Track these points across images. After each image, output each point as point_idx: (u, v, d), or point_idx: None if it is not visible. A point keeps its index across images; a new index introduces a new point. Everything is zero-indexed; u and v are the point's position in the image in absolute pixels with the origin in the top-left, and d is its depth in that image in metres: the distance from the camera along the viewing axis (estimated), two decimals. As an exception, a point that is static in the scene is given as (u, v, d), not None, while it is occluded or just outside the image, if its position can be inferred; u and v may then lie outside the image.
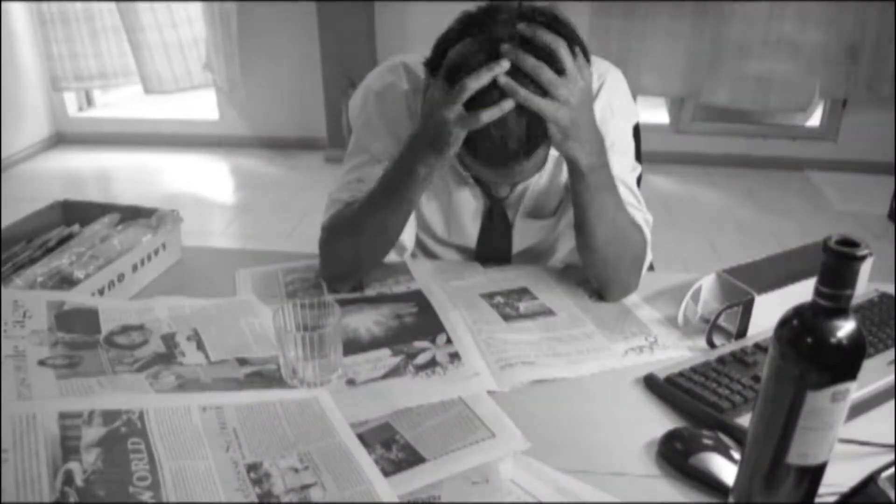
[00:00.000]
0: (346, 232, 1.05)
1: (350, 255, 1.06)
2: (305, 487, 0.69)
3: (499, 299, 1.06)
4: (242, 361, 0.89)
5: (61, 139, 4.26)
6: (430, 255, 1.24)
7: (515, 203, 1.14)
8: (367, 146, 1.09)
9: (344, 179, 1.10)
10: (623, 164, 1.08)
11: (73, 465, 0.65)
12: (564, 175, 1.10)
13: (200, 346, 0.92)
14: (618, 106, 1.08)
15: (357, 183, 1.07)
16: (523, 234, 1.18)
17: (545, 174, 1.11)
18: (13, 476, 0.63)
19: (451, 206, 1.14)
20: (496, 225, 1.16)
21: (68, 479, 0.64)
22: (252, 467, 0.71)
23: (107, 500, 0.63)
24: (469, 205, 1.14)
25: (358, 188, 1.06)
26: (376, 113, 1.09)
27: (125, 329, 0.94)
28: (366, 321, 0.99)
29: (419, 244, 1.23)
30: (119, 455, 0.68)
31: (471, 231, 1.17)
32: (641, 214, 1.09)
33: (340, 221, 1.06)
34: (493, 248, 1.19)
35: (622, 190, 1.04)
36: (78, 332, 0.91)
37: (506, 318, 1.01)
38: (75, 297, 0.97)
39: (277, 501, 0.67)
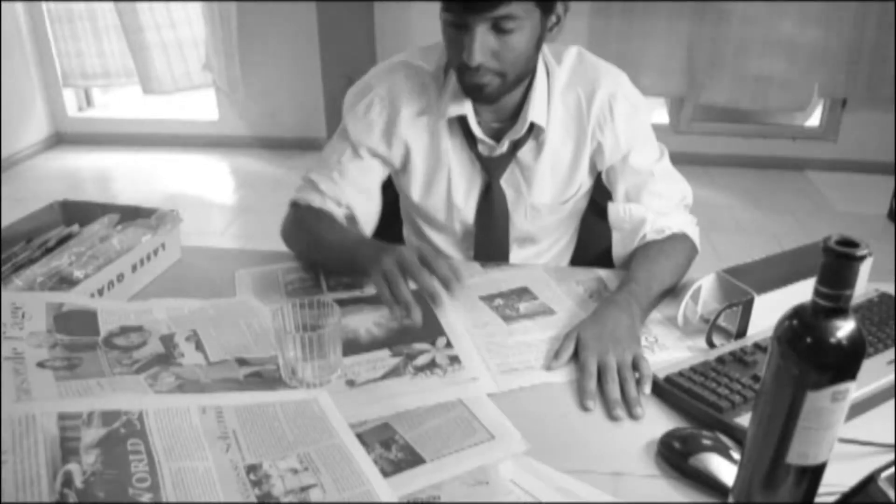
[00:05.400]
0: (302, 236, 1.14)
1: (303, 251, 1.16)
2: (305, 489, 0.68)
3: (499, 301, 1.05)
4: (242, 362, 0.89)
5: (61, 139, 4.26)
6: (425, 239, 1.27)
7: (511, 180, 1.17)
8: (353, 137, 1.15)
9: (324, 160, 1.17)
10: (651, 155, 1.15)
11: (73, 467, 0.65)
12: (563, 161, 1.15)
13: (199, 346, 0.91)
14: (638, 102, 1.14)
15: (337, 164, 1.15)
16: (523, 216, 1.20)
17: (530, 154, 1.14)
18: (13, 477, 0.63)
19: (450, 183, 1.17)
20: (495, 205, 1.17)
21: (68, 480, 0.64)
22: (252, 468, 0.70)
23: (106, 501, 0.63)
24: (465, 171, 1.16)
25: (329, 174, 1.15)
26: (374, 114, 1.13)
27: (124, 330, 0.93)
28: (365, 322, 0.99)
29: (417, 233, 1.28)
30: (118, 456, 0.68)
31: (470, 208, 1.19)
32: (680, 217, 1.15)
33: (301, 223, 1.14)
34: (490, 230, 1.20)
35: (654, 186, 1.13)
36: (77, 334, 0.91)
37: (506, 319, 1.01)
38: (74, 299, 0.96)
39: (277, 502, 0.67)
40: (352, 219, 1.16)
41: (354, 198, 1.15)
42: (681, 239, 1.12)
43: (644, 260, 1.08)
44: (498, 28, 0.96)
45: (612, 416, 0.81)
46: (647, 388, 0.85)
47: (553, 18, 1.02)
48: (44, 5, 3.88)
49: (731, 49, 3.55)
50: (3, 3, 3.72)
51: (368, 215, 1.18)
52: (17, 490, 0.62)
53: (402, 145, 1.14)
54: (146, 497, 0.64)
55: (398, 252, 0.89)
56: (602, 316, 0.95)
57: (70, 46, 3.95)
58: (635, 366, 0.87)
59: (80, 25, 3.91)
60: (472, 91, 1.04)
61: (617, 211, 1.15)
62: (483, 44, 0.97)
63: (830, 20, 3.43)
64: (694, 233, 1.15)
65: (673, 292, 1.07)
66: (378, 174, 1.17)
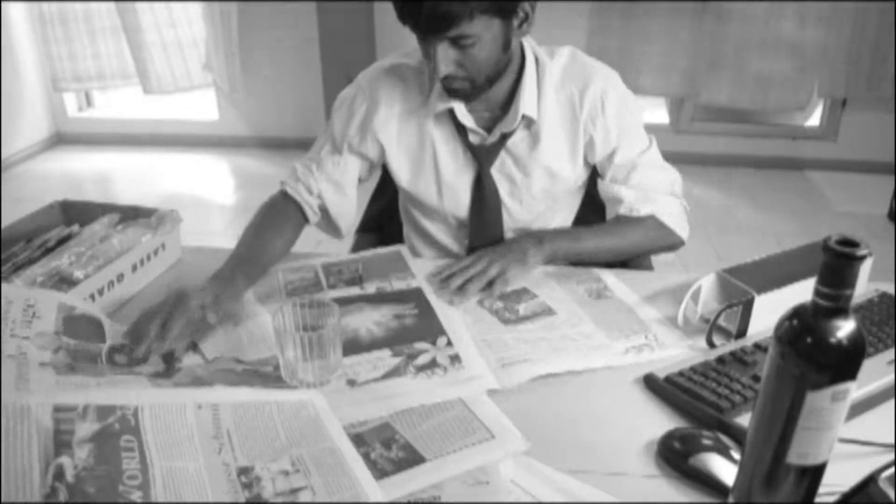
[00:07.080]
0: (249, 222, 1.17)
1: None
2: (295, 491, 0.68)
3: (497, 304, 1.05)
4: (239, 362, 0.89)
5: (61, 139, 4.26)
6: (422, 231, 1.29)
7: (503, 170, 1.18)
8: (335, 131, 1.20)
9: (311, 154, 1.24)
10: (638, 147, 1.18)
11: (65, 460, 0.64)
12: (548, 156, 1.17)
13: (197, 349, 0.92)
14: (628, 99, 1.17)
15: (317, 156, 1.22)
16: (519, 205, 1.21)
17: (521, 144, 1.16)
18: (5, 468, 0.62)
19: (438, 170, 1.19)
20: (486, 193, 1.19)
21: (59, 473, 0.63)
22: (243, 471, 0.70)
23: (96, 498, 0.62)
24: (455, 160, 1.18)
25: (308, 164, 1.22)
26: (356, 105, 1.18)
27: (125, 347, 0.92)
28: (366, 322, 0.99)
29: (414, 227, 1.30)
30: (111, 452, 0.67)
31: (462, 197, 1.21)
32: (663, 202, 1.18)
33: (257, 215, 1.18)
34: (484, 218, 1.21)
35: (637, 177, 1.16)
36: (83, 339, 0.90)
37: (505, 322, 1.01)
38: (87, 307, 0.96)
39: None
40: (324, 209, 1.22)
41: (326, 189, 1.20)
42: (649, 221, 1.17)
43: (599, 225, 1.18)
44: (457, 44, 0.99)
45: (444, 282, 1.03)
46: (495, 291, 1.05)
47: (520, 15, 1.03)
48: (44, 5, 3.88)
49: (731, 49, 3.54)
50: (4, 4, 3.72)
51: (339, 207, 1.22)
52: (8, 481, 0.61)
53: (376, 142, 1.18)
54: (136, 495, 0.64)
55: (190, 306, 0.91)
56: (512, 239, 1.11)
57: (62, 49, 3.91)
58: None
59: (75, 27, 3.88)
60: (449, 93, 1.09)
61: (604, 188, 1.20)
62: (445, 58, 1.01)
63: (830, 20, 3.43)
64: (673, 221, 1.18)
65: (623, 265, 1.16)
66: (354, 171, 1.22)
